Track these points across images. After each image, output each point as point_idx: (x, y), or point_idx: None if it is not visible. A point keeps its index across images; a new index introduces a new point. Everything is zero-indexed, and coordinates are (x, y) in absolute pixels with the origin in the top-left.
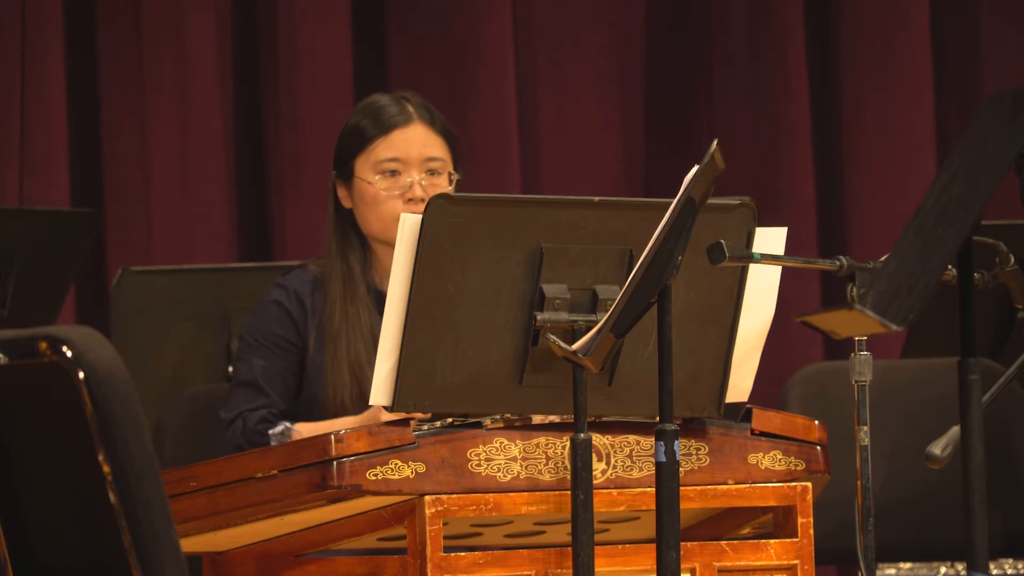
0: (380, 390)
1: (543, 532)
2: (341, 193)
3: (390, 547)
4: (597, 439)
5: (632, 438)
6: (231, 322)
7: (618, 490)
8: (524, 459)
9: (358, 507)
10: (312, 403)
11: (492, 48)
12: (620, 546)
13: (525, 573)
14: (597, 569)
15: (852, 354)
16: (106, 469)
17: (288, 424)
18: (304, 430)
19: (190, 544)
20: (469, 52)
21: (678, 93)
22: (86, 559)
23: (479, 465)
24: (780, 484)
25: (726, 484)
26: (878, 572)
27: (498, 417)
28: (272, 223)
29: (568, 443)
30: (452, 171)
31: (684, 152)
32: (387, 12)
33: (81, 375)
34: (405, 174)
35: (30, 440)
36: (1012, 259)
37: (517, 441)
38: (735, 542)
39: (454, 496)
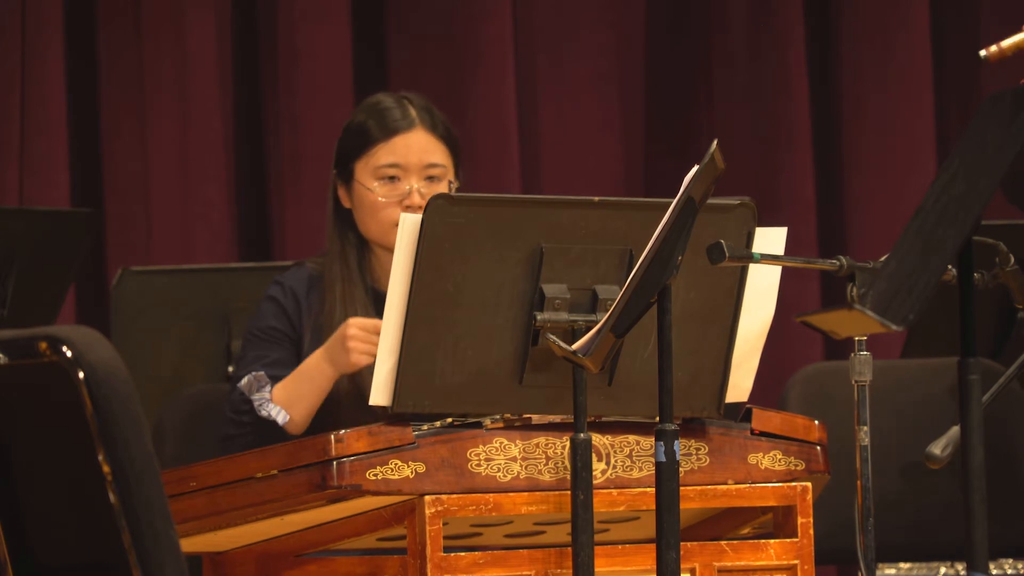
0: (380, 390)
1: (543, 532)
2: (341, 193)
3: (390, 547)
4: (597, 439)
5: (632, 438)
6: (231, 322)
7: (618, 490)
8: (524, 459)
9: (358, 507)
10: None
11: (492, 48)
12: (620, 546)
13: (525, 573)
14: (597, 569)
15: (852, 354)
16: (106, 469)
17: (261, 373)
18: (277, 393)
19: (190, 544)
20: (469, 52)
21: (678, 93)
22: (86, 559)
23: (479, 465)
24: (780, 484)
25: (726, 484)
26: (878, 572)
27: (498, 417)
28: (272, 223)
29: (568, 443)
30: (452, 179)
31: (684, 152)
32: (387, 12)
33: (81, 375)
34: (404, 180)
35: (30, 440)
36: (1012, 259)
37: (517, 441)
38: (735, 542)
39: (454, 496)
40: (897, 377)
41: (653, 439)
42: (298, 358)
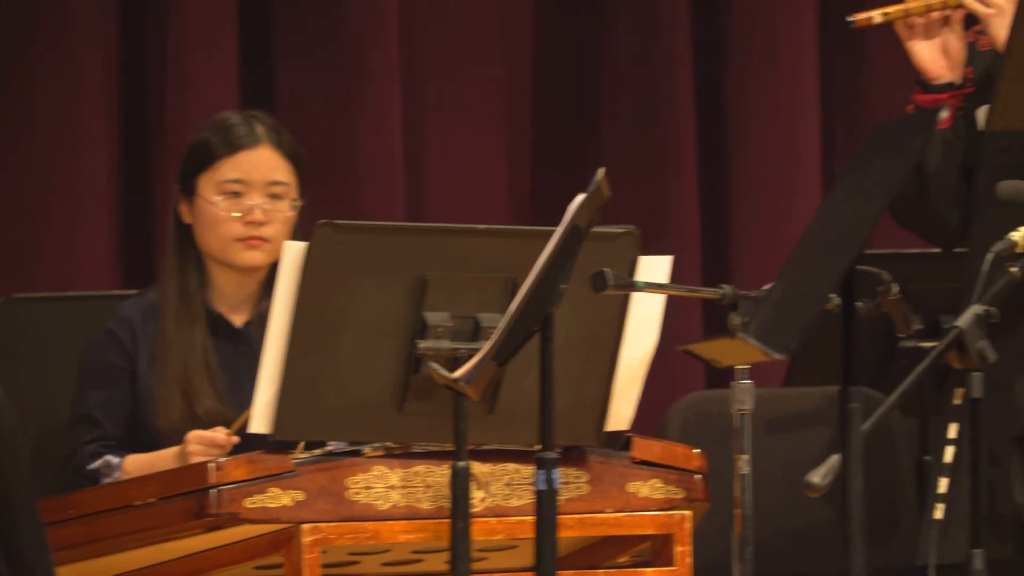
0: (260, 418)
1: (421, 560)
2: (183, 209)
3: None
4: (477, 467)
5: (512, 466)
6: None
7: (497, 518)
8: (403, 487)
9: (236, 535)
10: (146, 426)
11: (379, 75)
12: (498, 574)
13: None
14: None
15: (733, 383)
16: None
17: (112, 458)
18: (130, 466)
19: (68, 572)
20: (356, 79)
21: (564, 120)
22: None
23: (358, 493)
24: (659, 512)
25: (605, 512)
26: None
27: (378, 445)
28: (156, 250)
29: (448, 471)
30: (296, 197)
31: (570, 180)
32: (274, 38)
33: None
34: (247, 196)
35: None
36: (895, 288)
37: (397, 469)
38: (613, 571)
39: (332, 524)
40: (778, 406)
41: (533, 467)
42: (133, 390)
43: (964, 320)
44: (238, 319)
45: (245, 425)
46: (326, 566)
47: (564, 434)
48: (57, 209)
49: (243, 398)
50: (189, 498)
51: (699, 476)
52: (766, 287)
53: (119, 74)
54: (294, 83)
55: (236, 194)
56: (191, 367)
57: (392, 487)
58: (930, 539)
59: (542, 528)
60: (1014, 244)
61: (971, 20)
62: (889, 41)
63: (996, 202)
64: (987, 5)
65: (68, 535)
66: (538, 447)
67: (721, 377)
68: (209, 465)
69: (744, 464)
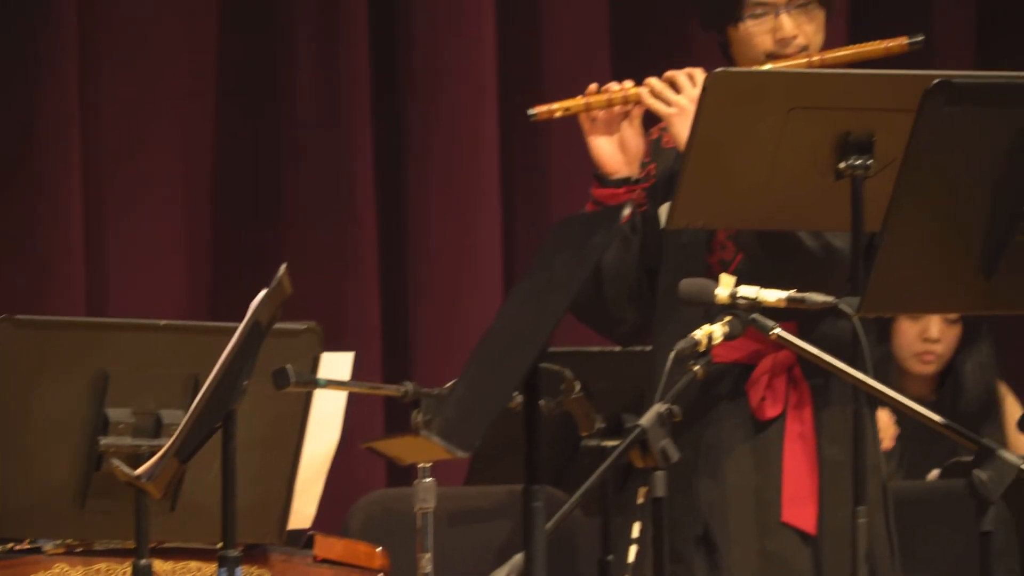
0: None
1: None
2: None
3: None
4: (159, 565)
5: (194, 564)
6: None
7: None
8: None
9: None
10: None
11: (57, 168)
12: None
13: None
14: None
15: (416, 480)
16: None
17: None
18: None
19: None
20: (34, 172)
21: (245, 214)
22: None
23: None
24: None
25: None
26: None
27: (60, 542)
28: None
29: (130, 569)
30: None
31: (252, 275)
32: None
33: None
34: None
35: None
36: (577, 386)
37: (78, 567)
38: None
39: None
40: (461, 503)
41: (215, 565)
42: None
43: (646, 419)
44: None
45: None
46: None
47: (246, 532)
48: None
49: None
50: None
51: (381, 575)
52: (448, 385)
53: None
54: None
55: None
56: None
57: None
58: None
59: None
60: (696, 343)
61: (656, 117)
62: (571, 135)
63: (679, 300)
64: (668, 104)
65: None
66: (220, 545)
67: (404, 475)
68: None
69: (427, 563)
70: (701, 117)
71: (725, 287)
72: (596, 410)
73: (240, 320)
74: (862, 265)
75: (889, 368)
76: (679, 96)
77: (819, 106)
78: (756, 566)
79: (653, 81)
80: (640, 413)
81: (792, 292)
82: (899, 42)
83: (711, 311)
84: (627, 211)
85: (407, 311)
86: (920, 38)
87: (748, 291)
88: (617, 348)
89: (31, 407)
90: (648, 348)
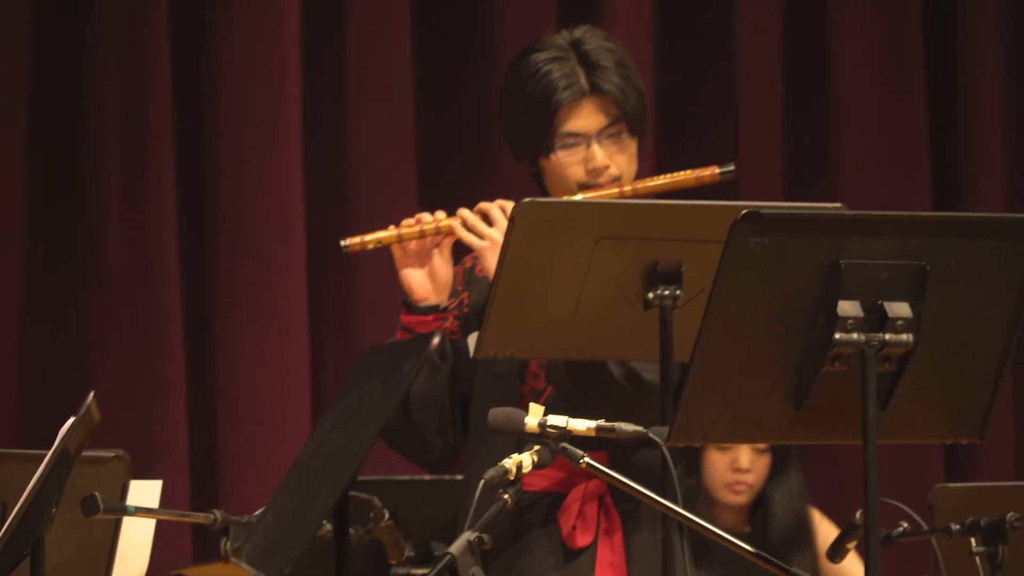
0: None
1: None
2: None
3: None
4: None
5: None
6: None
7: None
8: None
9: None
10: None
11: None
12: None
13: None
14: None
15: None
16: None
17: None
18: None
19: None
20: None
21: (54, 340)
22: None
23: None
24: None
25: None
26: None
27: None
28: None
29: None
30: None
31: (60, 402)
32: None
33: None
34: None
35: None
36: (386, 514)
37: None
38: None
39: None
40: None
41: None
42: None
43: (456, 547)
44: None
45: None
46: None
47: None
48: None
49: None
50: None
51: None
52: (257, 512)
53: None
54: None
55: None
56: None
57: None
58: None
59: None
60: (506, 471)
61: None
62: (382, 263)
63: (489, 428)
64: (481, 238)
65: None
66: None
67: None
68: None
69: None
70: (509, 247)
71: (534, 416)
72: (406, 538)
73: (48, 447)
74: (671, 395)
75: (699, 499)
76: (491, 229)
77: (627, 236)
78: None
79: (465, 213)
80: (450, 541)
81: (601, 422)
82: (710, 171)
83: (522, 440)
84: (436, 339)
85: (216, 439)
86: (731, 167)
87: (558, 420)
88: (427, 476)
89: None
90: (459, 476)
